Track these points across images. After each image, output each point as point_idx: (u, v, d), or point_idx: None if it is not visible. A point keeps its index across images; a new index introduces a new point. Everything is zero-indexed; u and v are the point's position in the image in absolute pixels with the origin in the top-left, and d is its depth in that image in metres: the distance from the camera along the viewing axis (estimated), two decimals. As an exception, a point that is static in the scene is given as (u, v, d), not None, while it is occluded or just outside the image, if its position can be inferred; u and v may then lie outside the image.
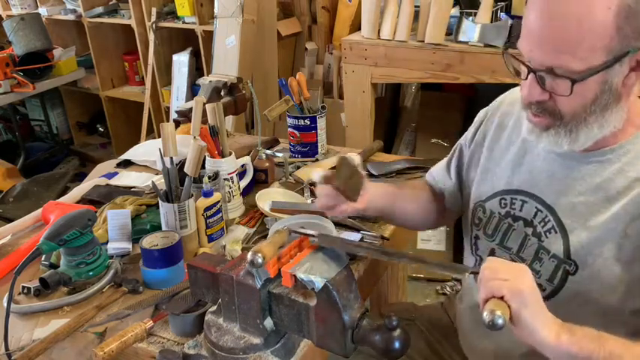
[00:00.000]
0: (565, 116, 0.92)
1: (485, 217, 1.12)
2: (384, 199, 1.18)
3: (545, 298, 0.95)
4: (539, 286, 0.95)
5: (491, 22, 2.16)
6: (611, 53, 0.85)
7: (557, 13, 0.85)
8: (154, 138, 3.35)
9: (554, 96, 0.91)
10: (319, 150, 1.73)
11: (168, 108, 3.42)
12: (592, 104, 0.89)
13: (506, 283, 0.81)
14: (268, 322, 0.91)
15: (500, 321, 0.78)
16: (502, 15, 2.22)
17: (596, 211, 0.95)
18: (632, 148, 0.95)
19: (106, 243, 1.31)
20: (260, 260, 0.85)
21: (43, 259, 1.27)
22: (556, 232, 1.00)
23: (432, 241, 2.69)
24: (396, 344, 0.79)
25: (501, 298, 0.80)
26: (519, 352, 1.08)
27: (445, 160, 1.29)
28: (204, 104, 1.45)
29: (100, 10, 3.50)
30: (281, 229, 0.95)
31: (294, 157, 1.74)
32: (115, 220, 1.32)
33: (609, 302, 0.94)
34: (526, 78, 0.92)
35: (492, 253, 1.11)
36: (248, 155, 1.59)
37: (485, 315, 0.78)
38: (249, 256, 0.85)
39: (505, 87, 1.22)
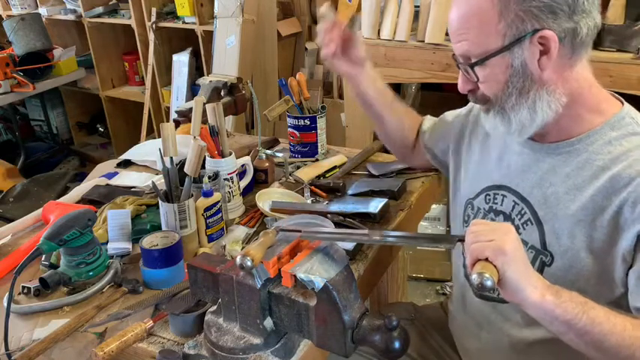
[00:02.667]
0: (491, 99, 0.99)
1: (473, 214, 1.15)
2: (379, 90, 1.29)
3: None
4: None
5: (491, 22, 2.16)
6: (504, 37, 0.92)
7: (457, 4, 0.96)
8: (154, 138, 3.35)
9: (478, 84, 0.98)
10: (319, 150, 1.73)
11: (168, 108, 3.42)
12: (506, 87, 0.96)
13: (489, 243, 0.82)
14: (268, 322, 0.91)
15: (488, 282, 0.78)
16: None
17: (567, 201, 0.97)
18: (598, 138, 0.97)
19: (106, 243, 1.31)
20: (249, 263, 0.85)
21: (43, 259, 1.27)
22: (532, 224, 1.02)
23: (432, 241, 2.69)
24: (396, 344, 0.79)
25: (486, 259, 0.81)
26: (508, 349, 1.10)
27: (434, 119, 1.37)
28: (204, 104, 1.45)
29: (100, 10, 3.50)
30: (269, 230, 0.95)
31: (294, 157, 1.74)
32: (115, 220, 1.32)
33: (585, 293, 0.94)
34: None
35: None
36: (248, 155, 1.60)
37: (474, 277, 0.79)
38: (238, 259, 0.85)
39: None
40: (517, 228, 1.04)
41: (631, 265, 0.93)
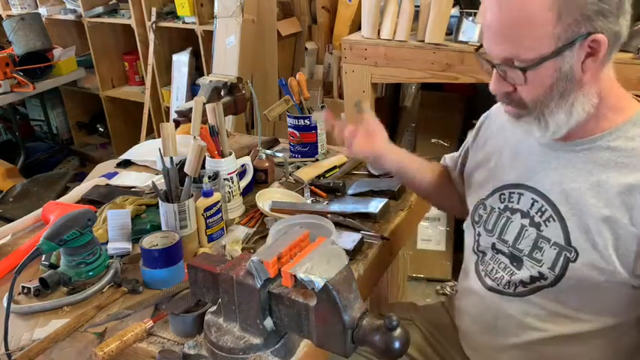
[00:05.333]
0: (529, 105, 0.97)
1: (486, 214, 1.15)
2: (402, 156, 1.32)
3: (550, 285, 1.01)
4: (542, 275, 1.01)
5: (491, 22, 2.16)
6: (558, 41, 0.89)
7: (504, 8, 0.91)
8: (154, 138, 3.35)
9: (517, 87, 0.96)
10: (319, 150, 1.73)
11: (168, 108, 3.42)
12: (550, 91, 0.94)
13: None
14: (268, 322, 0.90)
15: None
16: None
17: (591, 197, 0.97)
18: (621, 135, 0.97)
19: (106, 243, 1.31)
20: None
21: (43, 259, 1.27)
22: (554, 221, 1.02)
23: (432, 241, 2.69)
24: (396, 344, 0.79)
25: None
26: (523, 344, 1.10)
27: (456, 153, 1.36)
28: (204, 104, 1.45)
29: (100, 10, 3.50)
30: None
31: (294, 157, 1.74)
32: (114, 220, 1.32)
33: (613, 286, 0.97)
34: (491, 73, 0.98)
35: (493, 247, 1.13)
36: (248, 155, 1.60)
37: None
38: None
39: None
40: (539, 225, 1.04)
41: None
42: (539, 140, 1.03)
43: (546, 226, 1.03)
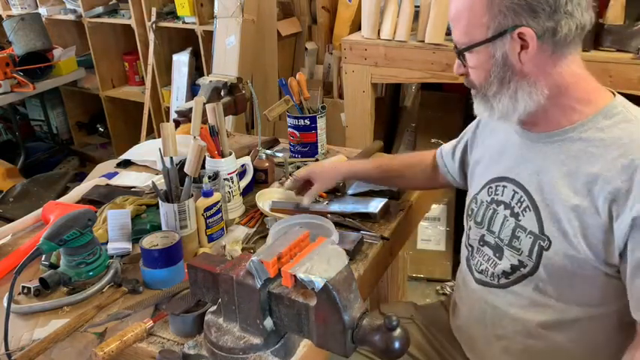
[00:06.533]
0: (477, 86, 1.06)
1: (476, 207, 1.18)
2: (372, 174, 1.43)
3: (529, 274, 1.05)
4: (522, 263, 1.06)
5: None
6: (489, 30, 0.98)
7: None
8: (154, 138, 3.35)
9: (469, 70, 1.06)
10: (319, 150, 1.73)
11: (169, 108, 3.42)
12: (489, 76, 1.03)
13: None
14: (268, 322, 0.90)
15: None
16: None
17: (562, 187, 1.01)
18: (591, 126, 1.00)
19: (106, 243, 1.31)
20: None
21: (43, 259, 1.27)
22: (530, 210, 1.05)
23: (432, 241, 2.69)
24: (396, 344, 0.79)
25: None
26: (503, 335, 1.13)
27: (453, 142, 1.38)
28: (204, 104, 1.45)
29: (100, 10, 3.50)
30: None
31: (294, 157, 1.74)
32: (115, 220, 1.32)
33: (587, 273, 1.00)
34: None
35: (481, 239, 1.16)
36: (248, 155, 1.60)
37: None
38: None
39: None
40: (517, 215, 1.08)
41: (621, 254, 0.96)
42: (500, 123, 1.10)
43: (523, 215, 1.07)
